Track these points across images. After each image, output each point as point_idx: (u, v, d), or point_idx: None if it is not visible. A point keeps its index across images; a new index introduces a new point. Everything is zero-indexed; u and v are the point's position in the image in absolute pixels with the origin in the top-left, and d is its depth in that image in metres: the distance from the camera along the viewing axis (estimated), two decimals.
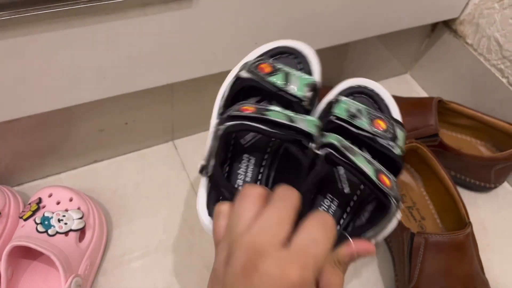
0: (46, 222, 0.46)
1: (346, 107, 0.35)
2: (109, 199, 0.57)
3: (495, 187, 0.65)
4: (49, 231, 0.46)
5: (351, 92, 0.39)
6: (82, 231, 0.49)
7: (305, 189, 0.32)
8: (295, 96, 0.35)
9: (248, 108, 0.33)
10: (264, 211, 0.29)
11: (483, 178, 0.63)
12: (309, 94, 0.35)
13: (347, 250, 0.32)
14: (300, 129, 0.32)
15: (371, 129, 0.34)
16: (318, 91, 0.37)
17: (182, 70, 0.50)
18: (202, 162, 0.36)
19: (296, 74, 0.36)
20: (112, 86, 0.47)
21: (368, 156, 0.34)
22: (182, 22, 0.44)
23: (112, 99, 0.49)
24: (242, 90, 0.36)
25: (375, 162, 0.34)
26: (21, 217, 0.47)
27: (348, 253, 0.32)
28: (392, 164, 0.35)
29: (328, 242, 0.29)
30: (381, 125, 0.35)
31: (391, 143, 0.34)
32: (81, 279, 0.45)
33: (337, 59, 0.69)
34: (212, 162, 0.34)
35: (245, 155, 0.36)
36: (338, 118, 0.35)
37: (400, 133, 0.36)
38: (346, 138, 0.35)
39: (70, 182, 0.57)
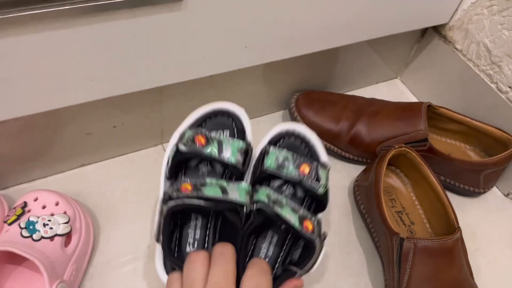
0: (31, 227, 0.45)
1: (274, 158, 0.42)
2: (96, 204, 0.56)
3: (484, 192, 0.65)
4: (34, 236, 0.45)
5: (282, 136, 0.44)
6: (68, 236, 0.48)
7: (241, 240, 0.39)
8: (229, 163, 0.40)
9: (187, 186, 0.38)
10: (211, 269, 0.35)
11: (472, 183, 0.63)
12: (241, 158, 0.41)
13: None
14: (233, 201, 0.38)
15: (297, 175, 0.41)
16: (250, 152, 0.42)
17: (171, 73, 0.49)
18: (155, 232, 0.41)
19: (228, 141, 0.41)
20: (99, 89, 0.46)
21: (295, 204, 0.40)
22: (171, 25, 0.43)
23: (100, 102, 0.48)
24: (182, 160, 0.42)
25: (300, 208, 0.40)
26: (5, 222, 0.46)
27: None
28: (317, 201, 0.42)
29: (269, 284, 0.36)
30: (306, 169, 0.41)
31: (314, 184, 0.41)
32: (67, 285, 0.44)
33: (327, 64, 0.70)
34: (161, 237, 0.40)
35: (192, 221, 0.43)
36: (269, 169, 0.41)
37: (322, 173, 0.42)
38: (278, 180, 0.43)
39: (57, 186, 0.56)
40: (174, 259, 0.40)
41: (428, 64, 0.75)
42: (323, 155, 0.44)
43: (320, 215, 0.43)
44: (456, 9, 0.67)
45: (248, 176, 0.43)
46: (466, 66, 0.67)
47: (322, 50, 0.59)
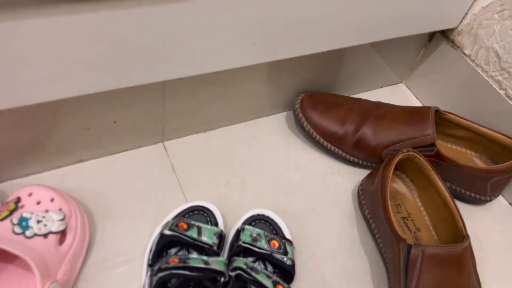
0: (24, 223, 0.44)
1: (249, 233, 0.49)
2: (93, 201, 0.54)
3: (491, 200, 0.64)
4: (27, 233, 0.43)
5: (254, 220, 0.52)
6: (63, 234, 0.46)
7: None
8: (207, 244, 0.47)
9: (174, 259, 0.44)
10: None
11: (479, 191, 0.62)
12: (216, 240, 0.48)
13: None
14: (214, 269, 0.44)
15: (268, 248, 0.48)
16: (223, 237, 0.50)
17: (175, 67, 0.47)
18: None
19: (206, 227, 0.49)
20: (100, 81, 0.45)
21: (268, 272, 0.47)
22: (177, 16, 0.42)
23: (101, 95, 0.46)
24: (165, 244, 0.48)
25: (273, 276, 0.47)
26: None
27: None
28: (286, 272, 0.49)
29: None
30: (275, 244, 0.49)
31: (283, 257, 0.48)
32: (60, 285, 0.42)
33: (333, 65, 0.68)
34: None
35: None
36: (244, 242, 0.48)
37: (289, 248, 0.49)
38: (251, 256, 0.49)
39: (53, 182, 0.54)
40: None
41: (435, 69, 0.74)
42: (287, 234, 0.52)
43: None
44: (466, 14, 0.66)
45: (225, 253, 0.51)
46: (474, 71, 0.66)
47: (328, 51, 0.58)
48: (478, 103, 0.67)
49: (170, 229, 0.47)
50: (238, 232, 0.50)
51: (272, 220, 0.52)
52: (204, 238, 0.48)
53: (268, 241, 0.49)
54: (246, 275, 0.45)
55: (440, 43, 0.72)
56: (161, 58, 0.45)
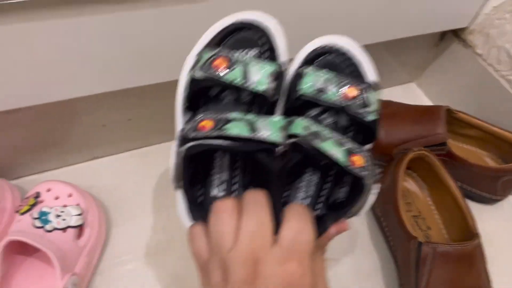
0: (44, 217, 0.45)
1: (312, 81, 0.34)
2: (108, 197, 0.55)
3: (501, 199, 0.64)
4: (47, 227, 0.44)
5: (319, 54, 0.35)
6: (80, 228, 0.47)
7: (276, 184, 0.33)
8: (257, 91, 0.33)
9: (206, 125, 0.32)
10: (243, 221, 0.30)
11: (490, 190, 0.62)
12: (272, 84, 0.33)
13: (325, 235, 0.33)
14: (263, 140, 0.31)
15: (340, 100, 0.33)
16: (283, 75, 0.34)
17: None
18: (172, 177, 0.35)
19: (256, 64, 0.33)
20: (116, 80, 0.46)
21: (339, 136, 0.33)
22: (194, 17, 0.43)
23: (116, 93, 0.47)
24: (197, 92, 0.35)
25: (347, 141, 0.33)
26: (17, 211, 0.46)
27: (326, 237, 0.34)
28: (366, 130, 0.35)
29: (310, 229, 0.31)
30: (351, 93, 0.33)
31: (361, 110, 0.33)
32: (78, 278, 0.44)
33: None
34: (181, 183, 0.34)
35: (217, 163, 0.36)
36: (305, 95, 0.34)
37: (371, 97, 0.34)
38: (316, 106, 0.35)
39: (69, 178, 0.55)
40: (197, 209, 0.34)
41: (446, 68, 0.74)
42: (371, 74, 0.35)
43: (368, 147, 0.35)
44: (477, 13, 0.66)
45: (278, 107, 0.35)
46: (486, 71, 0.66)
47: None
48: (489, 102, 0.67)
49: (202, 70, 0.33)
50: (296, 78, 0.35)
51: (346, 52, 0.35)
52: (253, 83, 0.32)
53: (340, 89, 0.34)
54: (306, 146, 0.32)
55: (452, 42, 0.72)
56: (176, 57, 0.46)
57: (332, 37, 0.36)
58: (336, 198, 0.37)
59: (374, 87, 0.35)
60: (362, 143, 0.35)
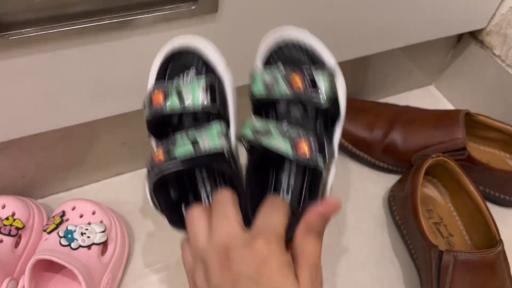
0: (69, 236, 0.46)
1: (261, 81, 0.35)
2: (130, 212, 0.57)
3: None
4: (72, 245, 0.46)
5: (274, 50, 0.36)
6: (104, 245, 0.49)
7: (241, 181, 0.36)
8: (195, 110, 0.35)
9: (159, 155, 0.34)
10: (212, 219, 0.33)
11: None
12: (206, 97, 0.34)
13: (313, 214, 0.33)
14: (206, 153, 0.34)
15: (291, 92, 0.34)
16: (216, 83, 0.36)
17: None
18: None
19: (187, 85, 0.35)
20: (134, 100, 0.47)
21: (285, 127, 0.34)
22: (206, 36, 0.44)
23: (135, 113, 0.49)
24: (156, 132, 0.38)
25: (290, 129, 0.34)
26: (44, 230, 0.48)
27: (316, 217, 0.33)
28: (323, 113, 0.35)
29: (280, 213, 0.32)
30: (297, 82, 0.33)
31: (313, 96, 0.33)
32: None
33: (359, 71, 0.69)
34: (158, 209, 0.38)
35: (198, 177, 0.39)
36: (257, 96, 0.35)
37: (320, 79, 0.33)
38: (279, 104, 0.36)
39: (93, 195, 0.57)
40: (179, 227, 0.37)
41: (465, 70, 0.73)
42: (327, 57, 0.35)
43: (337, 128, 0.36)
44: (494, 14, 0.65)
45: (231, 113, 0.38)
46: (505, 72, 0.65)
47: (354, 58, 0.58)
48: (510, 103, 0.66)
49: (146, 108, 0.35)
50: (250, 81, 0.37)
51: (298, 42, 0.35)
52: (189, 103, 0.34)
53: (288, 81, 0.34)
54: (256, 146, 0.34)
55: (469, 44, 0.71)
56: None
57: (280, 30, 0.36)
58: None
59: (321, 68, 0.34)
60: (332, 123, 0.36)
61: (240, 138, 0.36)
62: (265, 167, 0.38)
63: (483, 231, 0.52)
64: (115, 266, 0.49)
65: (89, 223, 0.49)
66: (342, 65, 0.59)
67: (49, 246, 0.46)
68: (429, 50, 0.73)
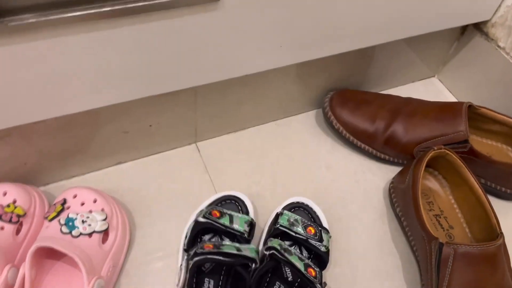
0: (70, 223, 0.47)
1: (287, 218, 0.52)
2: (132, 200, 0.57)
3: None
4: (73, 232, 0.46)
5: (293, 206, 0.55)
6: (105, 233, 0.49)
7: (253, 280, 0.47)
8: (238, 231, 0.50)
9: (209, 245, 0.47)
10: None
11: None
12: (247, 228, 0.51)
13: None
14: (246, 256, 0.47)
15: (304, 234, 0.51)
16: (253, 225, 0.52)
17: (206, 73, 0.49)
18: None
19: (237, 215, 0.51)
20: (136, 89, 0.47)
21: (301, 255, 0.49)
22: (207, 25, 0.43)
23: (137, 102, 0.49)
24: (199, 230, 0.51)
25: (305, 259, 0.49)
26: (46, 218, 0.48)
27: None
28: (319, 258, 0.51)
29: None
30: (312, 230, 0.51)
31: (318, 243, 0.50)
32: (104, 281, 0.45)
33: (363, 62, 0.68)
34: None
35: (206, 279, 0.50)
36: (282, 226, 0.51)
37: (325, 236, 0.51)
38: (287, 240, 0.52)
39: (95, 183, 0.57)
40: None
41: (468, 62, 0.72)
42: (325, 223, 0.54)
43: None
44: (499, 6, 0.64)
45: (261, 239, 0.53)
46: (509, 64, 0.65)
47: (357, 49, 0.58)
48: None
49: (204, 217, 0.50)
50: (277, 216, 0.53)
51: (310, 208, 0.55)
52: (236, 226, 0.50)
53: (305, 227, 0.51)
54: (279, 255, 0.47)
55: (474, 36, 0.70)
56: (193, 65, 0.47)
57: (301, 198, 0.56)
58: None
59: (327, 231, 0.52)
60: (319, 267, 0.50)
61: (269, 247, 0.48)
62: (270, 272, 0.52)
63: (483, 224, 0.52)
64: (116, 254, 0.49)
65: (90, 211, 0.49)
66: (345, 55, 0.59)
67: (50, 234, 0.46)
68: (433, 41, 0.72)
